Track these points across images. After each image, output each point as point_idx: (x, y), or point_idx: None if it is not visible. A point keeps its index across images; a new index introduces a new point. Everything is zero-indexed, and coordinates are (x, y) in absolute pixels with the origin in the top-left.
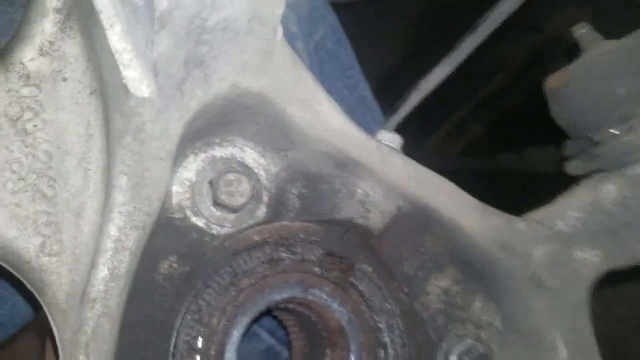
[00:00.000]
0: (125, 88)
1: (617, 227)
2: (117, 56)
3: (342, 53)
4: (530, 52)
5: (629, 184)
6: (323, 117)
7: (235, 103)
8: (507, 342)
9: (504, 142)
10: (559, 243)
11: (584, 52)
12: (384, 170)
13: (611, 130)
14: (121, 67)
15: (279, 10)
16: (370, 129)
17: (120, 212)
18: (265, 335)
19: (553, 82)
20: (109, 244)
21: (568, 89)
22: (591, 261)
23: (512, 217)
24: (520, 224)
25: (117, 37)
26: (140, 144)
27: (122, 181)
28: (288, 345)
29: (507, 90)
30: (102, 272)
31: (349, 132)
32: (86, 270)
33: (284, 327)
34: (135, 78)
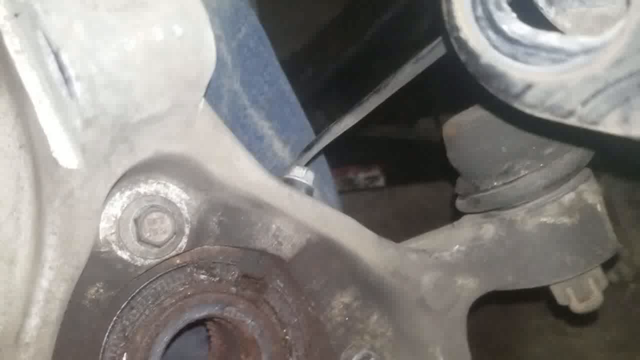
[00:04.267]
0: (54, 159)
1: (492, 261)
2: (45, 131)
3: (263, 50)
4: None
5: (504, 226)
6: (240, 170)
7: (159, 161)
8: (397, 350)
9: (423, 110)
10: (443, 271)
11: (476, 105)
12: (294, 212)
13: (493, 183)
14: (50, 141)
15: (199, 95)
16: (289, 120)
17: (50, 268)
18: None
19: (448, 130)
20: (40, 296)
21: (460, 140)
22: (469, 287)
23: (405, 248)
24: (411, 255)
25: (45, 114)
26: (69, 207)
27: (52, 240)
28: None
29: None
30: (35, 320)
31: (264, 182)
32: (18, 313)
33: (205, 326)
34: (64, 152)
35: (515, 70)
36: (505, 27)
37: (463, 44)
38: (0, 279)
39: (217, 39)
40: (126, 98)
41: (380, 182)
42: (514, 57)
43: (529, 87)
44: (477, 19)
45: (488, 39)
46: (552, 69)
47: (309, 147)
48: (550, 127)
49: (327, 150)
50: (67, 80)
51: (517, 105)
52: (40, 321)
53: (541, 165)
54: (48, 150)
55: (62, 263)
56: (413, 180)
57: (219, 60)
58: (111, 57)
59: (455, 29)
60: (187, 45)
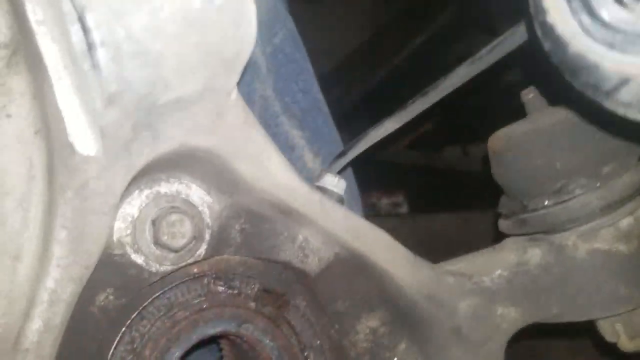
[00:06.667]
0: (70, 145)
1: (537, 290)
2: (63, 112)
3: (298, 57)
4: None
5: (552, 251)
6: (270, 171)
7: (183, 156)
8: None
9: (452, 139)
10: (483, 298)
11: (529, 116)
12: (324, 221)
13: (544, 202)
14: (67, 124)
15: (234, 80)
16: (321, 131)
17: (58, 265)
18: None
19: (495, 143)
20: (44, 297)
21: (509, 153)
22: (510, 317)
23: (442, 270)
24: (448, 278)
25: (64, 93)
26: (82, 199)
27: (61, 235)
28: None
29: (459, 88)
30: (36, 323)
31: (294, 186)
32: (20, 314)
33: (218, 344)
34: (82, 136)
35: (610, 61)
36: (603, 11)
37: (549, 29)
38: (3, 276)
39: None
40: (155, 72)
41: (404, 209)
42: (610, 46)
43: (625, 81)
44: (569, 0)
45: (580, 23)
46: None
47: (343, 153)
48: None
49: (353, 165)
50: (90, 46)
51: (608, 104)
52: (43, 325)
53: (598, 185)
54: (65, 134)
55: (71, 261)
56: (438, 209)
57: (253, 64)
58: (142, 22)
59: (542, 11)
60: (226, 17)
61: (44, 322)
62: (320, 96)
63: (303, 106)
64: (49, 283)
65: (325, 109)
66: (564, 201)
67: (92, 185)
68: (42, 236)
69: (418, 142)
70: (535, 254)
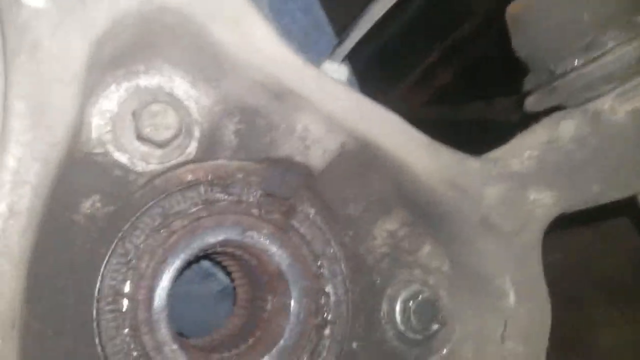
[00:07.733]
0: None
1: (573, 166)
2: None
3: None
4: None
5: (588, 120)
6: (254, 39)
7: (152, 21)
8: (456, 288)
9: (472, 90)
10: (512, 183)
11: None
12: (324, 102)
13: (574, 62)
14: None
15: None
16: (325, 54)
17: (18, 142)
18: (221, 275)
19: (516, 7)
20: (6, 177)
21: (530, 14)
22: (544, 202)
23: (464, 155)
24: (472, 162)
25: None
26: (37, 64)
27: (18, 106)
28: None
29: (476, 37)
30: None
31: (285, 58)
32: None
33: (229, 273)
34: None
35: None
36: None
37: None
38: None
39: None
40: None
41: None
42: None
43: None
44: None
45: None
46: None
47: (341, 42)
48: None
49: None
50: None
51: None
52: (7, 210)
53: (632, 35)
54: None
55: (32, 137)
56: None
57: None
58: None
59: None
60: None
61: (8, 206)
62: (322, 13)
63: (304, 26)
64: (10, 162)
65: (328, 29)
66: (596, 57)
67: (45, 45)
68: (1, 116)
69: (437, 98)
70: (568, 127)
